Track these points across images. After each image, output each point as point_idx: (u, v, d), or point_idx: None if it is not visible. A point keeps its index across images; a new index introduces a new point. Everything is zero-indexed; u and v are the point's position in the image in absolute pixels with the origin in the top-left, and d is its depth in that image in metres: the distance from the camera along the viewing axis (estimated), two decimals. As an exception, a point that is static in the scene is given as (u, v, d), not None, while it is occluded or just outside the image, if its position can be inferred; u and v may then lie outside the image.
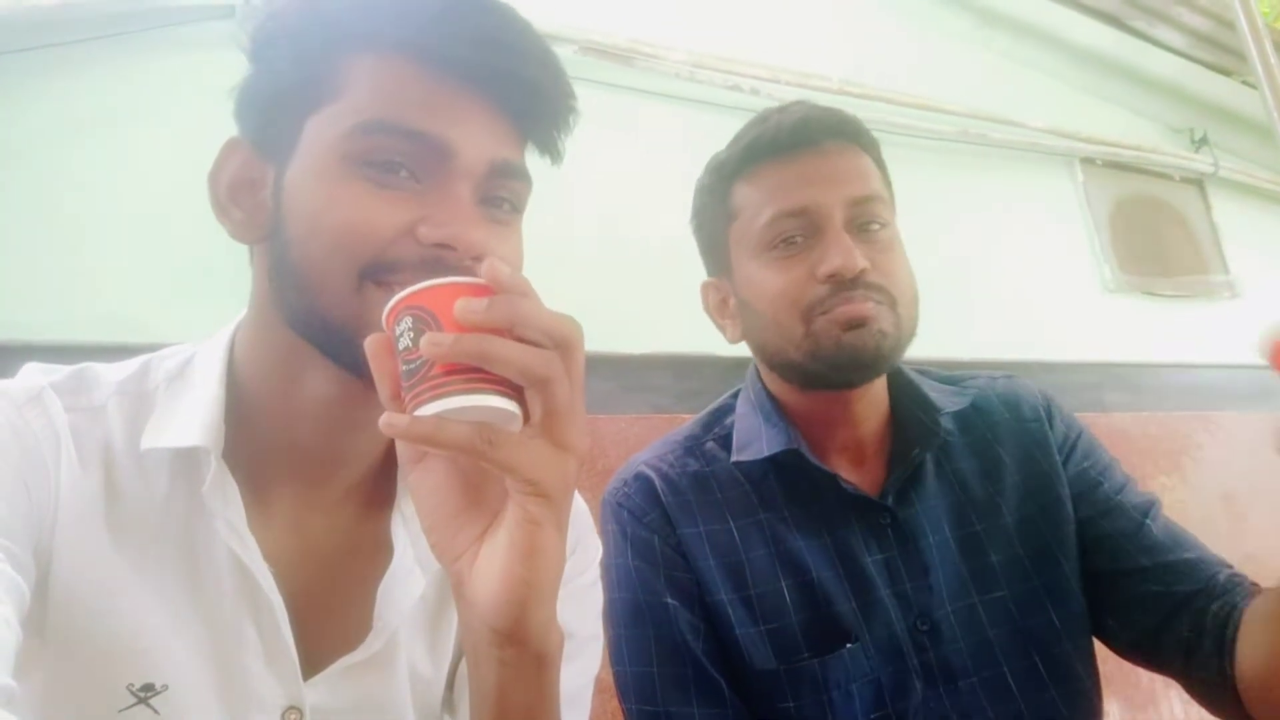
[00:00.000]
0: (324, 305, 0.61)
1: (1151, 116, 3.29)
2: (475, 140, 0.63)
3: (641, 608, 0.99)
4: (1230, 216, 3.30)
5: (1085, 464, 1.08)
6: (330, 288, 0.61)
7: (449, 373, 0.52)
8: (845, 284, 0.96)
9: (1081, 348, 2.73)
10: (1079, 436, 1.10)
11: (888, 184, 1.07)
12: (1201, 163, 3.26)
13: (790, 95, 2.41)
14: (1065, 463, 1.07)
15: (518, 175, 0.66)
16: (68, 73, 1.69)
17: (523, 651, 0.57)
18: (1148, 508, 1.04)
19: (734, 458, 1.05)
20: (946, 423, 1.05)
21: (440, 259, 0.60)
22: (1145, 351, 2.85)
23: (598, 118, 2.15)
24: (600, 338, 1.92)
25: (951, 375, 1.17)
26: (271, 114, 0.65)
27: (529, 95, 0.65)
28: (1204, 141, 3.30)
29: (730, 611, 0.98)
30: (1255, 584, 0.96)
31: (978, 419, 1.10)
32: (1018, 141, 2.86)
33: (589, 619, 0.81)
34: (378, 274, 0.60)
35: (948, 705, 0.95)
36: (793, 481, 1.04)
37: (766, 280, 1.01)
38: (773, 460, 1.03)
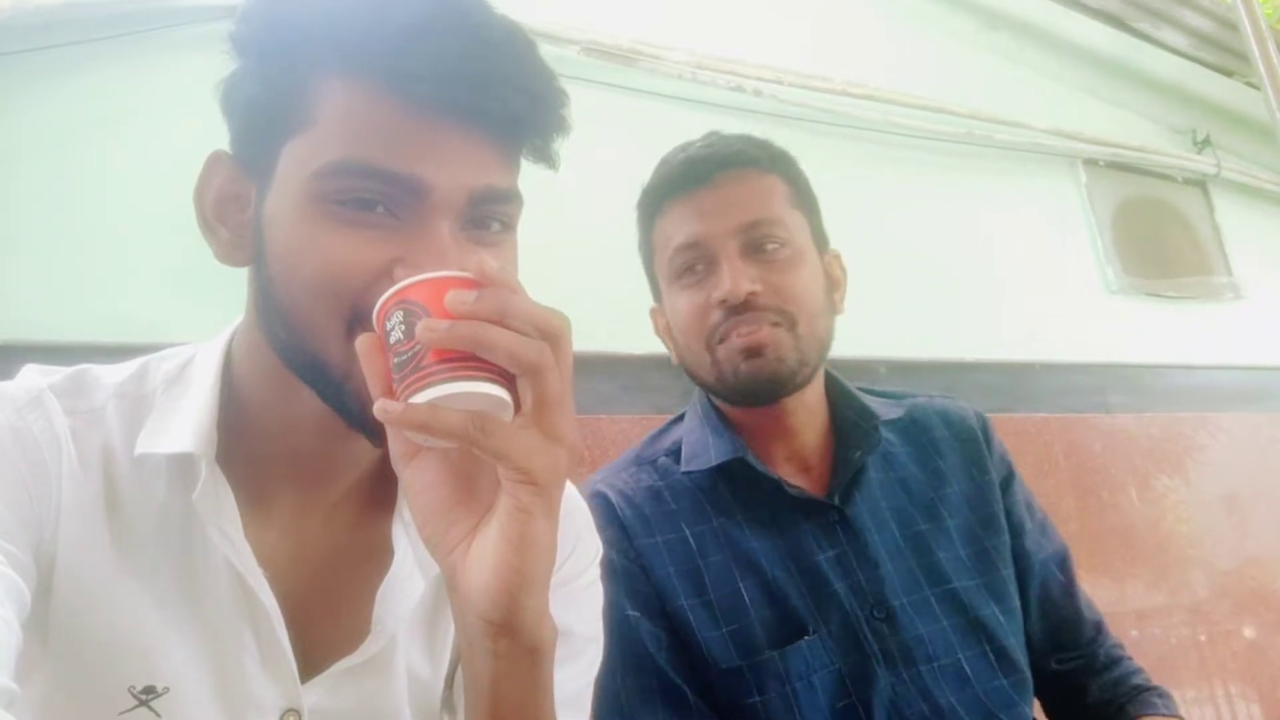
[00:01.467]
0: (314, 349, 0.61)
1: (1154, 118, 3.29)
2: (451, 172, 0.60)
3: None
4: (1233, 218, 3.29)
5: (1014, 500, 1.17)
6: (319, 333, 0.61)
7: (442, 360, 0.53)
8: (738, 309, 1.03)
9: (1084, 349, 2.72)
10: (1011, 471, 1.19)
11: (801, 197, 1.13)
12: (1204, 164, 3.25)
13: (793, 97, 2.41)
14: (1003, 492, 1.15)
15: (503, 199, 0.64)
16: (71, 74, 1.69)
17: (516, 643, 0.57)
18: (1059, 559, 1.16)
19: (683, 468, 1.10)
20: (885, 431, 1.12)
21: None
22: (1148, 353, 2.85)
23: (600, 119, 2.17)
24: (602, 338, 1.94)
25: (888, 391, 1.24)
26: (249, 128, 0.64)
27: (509, 120, 0.62)
28: (1207, 143, 3.29)
29: (691, 616, 1.01)
30: (1139, 670, 1.13)
31: (918, 432, 1.18)
32: (1020, 143, 2.85)
33: (588, 619, 0.81)
34: (367, 322, 0.58)
35: (912, 689, 0.99)
36: (742, 488, 1.08)
37: (677, 308, 1.09)
38: (722, 469, 1.08)
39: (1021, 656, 1.07)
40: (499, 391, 0.54)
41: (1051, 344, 2.66)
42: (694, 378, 1.13)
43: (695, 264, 1.07)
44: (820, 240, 1.14)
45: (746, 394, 1.05)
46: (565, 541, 0.74)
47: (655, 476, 1.11)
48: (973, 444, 1.17)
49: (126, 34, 1.74)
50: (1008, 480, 1.18)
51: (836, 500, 1.07)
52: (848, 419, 1.12)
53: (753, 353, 1.02)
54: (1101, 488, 2.50)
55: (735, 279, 1.02)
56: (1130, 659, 1.15)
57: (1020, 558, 1.13)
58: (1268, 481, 2.80)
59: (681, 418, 1.18)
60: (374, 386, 0.56)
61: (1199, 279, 3.13)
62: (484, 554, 0.56)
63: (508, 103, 0.60)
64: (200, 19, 1.78)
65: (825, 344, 1.09)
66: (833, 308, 1.12)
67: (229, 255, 0.66)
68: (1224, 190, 3.31)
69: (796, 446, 1.11)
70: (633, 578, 1.03)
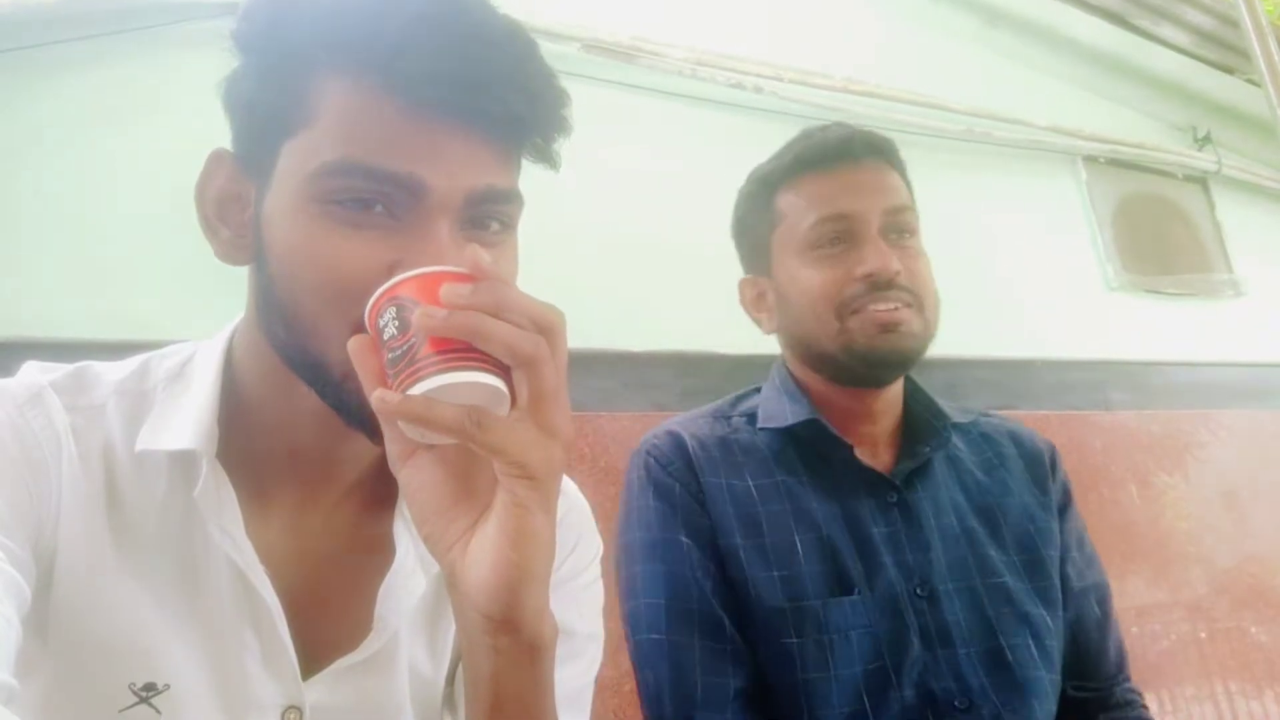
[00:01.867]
0: (315, 349, 0.61)
1: (1155, 114, 3.29)
2: (450, 172, 0.59)
3: (656, 544, 1.07)
4: (1233, 215, 3.29)
5: (1068, 526, 1.19)
6: (320, 334, 0.60)
7: (437, 351, 0.52)
8: (880, 285, 1.07)
9: (1085, 345, 2.73)
10: (1069, 500, 1.22)
11: (913, 198, 1.19)
12: (1205, 161, 3.25)
13: (792, 94, 2.41)
14: (1060, 516, 1.18)
15: (502, 199, 0.63)
16: (71, 70, 1.69)
17: (516, 639, 0.57)
18: (1100, 594, 1.18)
19: (760, 425, 1.15)
20: (954, 435, 1.17)
21: None
22: (1148, 349, 2.85)
23: (600, 115, 2.16)
24: (602, 335, 1.94)
25: (961, 407, 1.27)
26: (249, 127, 0.64)
27: (508, 120, 0.61)
28: (1207, 139, 3.29)
29: (743, 555, 1.05)
30: (1144, 708, 1.15)
31: (985, 444, 1.22)
32: (1021, 140, 2.85)
33: (588, 618, 0.81)
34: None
35: (944, 668, 1.01)
36: (810, 452, 1.13)
37: (808, 277, 1.12)
38: (793, 433, 1.13)
39: (1060, 661, 1.08)
40: (495, 382, 0.53)
41: (1052, 341, 2.66)
42: (809, 348, 1.15)
43: (837, 236, 1.10)
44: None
45: (874, 365, 1.10)
46: (565, 540, 0.74)
47: (728, 429, 1.17)
48: (1038, 466, 1.21)
49: (128, 30, 1.74)
50: (1065, 506, 1.21)
51: (898, 481, 1.10)
52: (920, 416, 1.17)
53: (889, 328, 1.07)
54: (1102, 484, 2.51)
55: (886, 257, 1.07)
56: (1145, 707, 1.17)
57: (1060, 581, 1.14)
58: (1268, 478, 2.81)
59: (759, 389, 1.23)
60: (369, 387, 0.55)
61: (1199, 276, 3.13)
62: (483, 550, 0.56)
63: (507, 103, 0.60)
64: (202, 15, 1.78)
65: (936, 333, 1.15)
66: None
67: (230, 254, 0.66)
68: (1224, 187, 3.31)
69: (871, 432, 1.15)
70: (691, 511, 1.08)
